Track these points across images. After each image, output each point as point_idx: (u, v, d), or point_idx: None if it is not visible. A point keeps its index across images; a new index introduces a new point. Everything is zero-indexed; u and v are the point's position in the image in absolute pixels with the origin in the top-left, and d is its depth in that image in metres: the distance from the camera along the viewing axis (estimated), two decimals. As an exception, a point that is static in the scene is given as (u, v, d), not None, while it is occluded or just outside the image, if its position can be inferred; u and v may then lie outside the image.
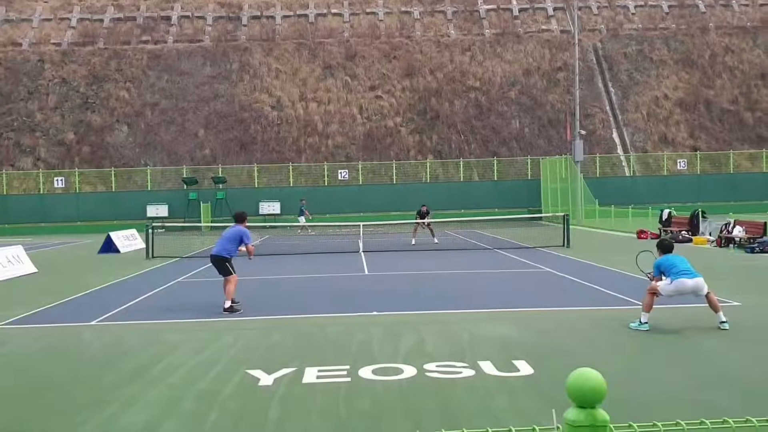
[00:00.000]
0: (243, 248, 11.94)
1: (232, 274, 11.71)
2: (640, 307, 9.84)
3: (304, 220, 34.49)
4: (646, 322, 9.50)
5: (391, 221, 33.98)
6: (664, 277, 9.65)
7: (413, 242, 25.34)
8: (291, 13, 54.06)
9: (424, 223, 25.78)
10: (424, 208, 25.90)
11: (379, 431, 5.81)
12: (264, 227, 37.41)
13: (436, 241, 25.35)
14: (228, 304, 11.63)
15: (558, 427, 2.29)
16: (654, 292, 9.57)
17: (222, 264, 11.76)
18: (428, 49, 50.77)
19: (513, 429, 2.25)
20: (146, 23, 52.73)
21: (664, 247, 10.02)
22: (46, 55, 49.32)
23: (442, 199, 41.76)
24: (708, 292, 9.55)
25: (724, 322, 9.42)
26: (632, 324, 9.65)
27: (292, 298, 13.43)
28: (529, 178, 43.72)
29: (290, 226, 36.44)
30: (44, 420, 6.33)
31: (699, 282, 9.46)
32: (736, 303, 11.54)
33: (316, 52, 50.52)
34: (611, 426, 2.24)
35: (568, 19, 53.09)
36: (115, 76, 48.36)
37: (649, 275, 10.17)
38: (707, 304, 9.64)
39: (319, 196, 42.54)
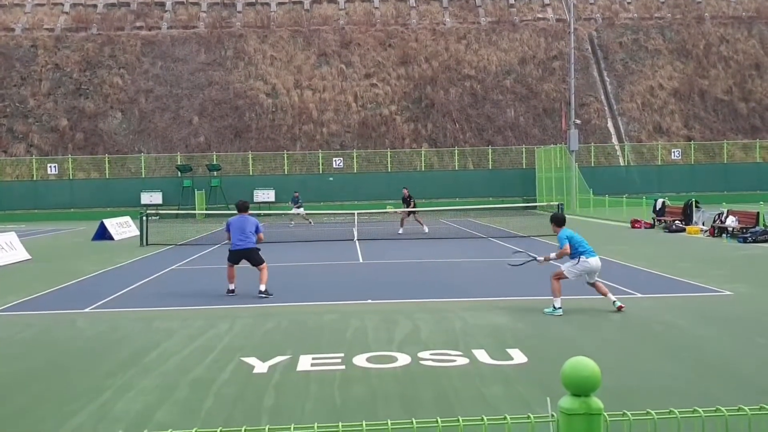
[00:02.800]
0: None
1: (264, 260, 12.04)
2: (602, 295, 10.30)
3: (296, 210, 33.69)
4: (560, 307, 9.95)
5: (385, 209, 33.96)
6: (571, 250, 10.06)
7: (400, 231, 25.31)
8: (286, 0, 53.76)
9: (412, 211, 25.63)
10: (405, 192, 25.74)
11: (373, 419, 5.83)
12: (259, 215, 37.36)
13: (426, 230, 25.10)
14: (264, 287, 11.84)
15: (553, 415, 2.31)
16: (560, 277, 10.09)
17: (256, 254, 11.98)
18: (424, 37, 50.61)
19: (508, 417, 2.26)
20: (140, 9, 52.36)
21: (560, 220, 10.46)
22: (39, 40, 48.95)
23: (437, 188, 41.78)
24: (596, 281, 10.25)
25: (614, 302, 10.10)
26: (546, 310, 10.09)
27: (286, 286, 13.42)
28: (524, 167, 43.75)
29: (284, 214, 36.35)
30: (38, 408, 6.33)
31: (599, 261, 10.17)
32: (728, 292, 11.61)
33: (311, 39, 50.30)
34: (605, 414, 2.25)
35: (564, 7, 52.97)
36: (108, 63, 48.07)
37: (538, 259, 10.69)
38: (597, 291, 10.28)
39: (314, 184, 42.50)
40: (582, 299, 11.26)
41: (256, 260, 12.02)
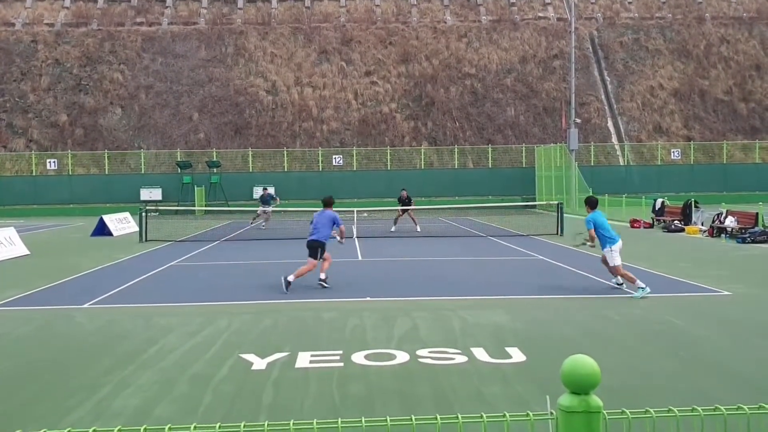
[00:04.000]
0: (335, 230, 12.81)
1: (326, 253, 12.56)
2: (632, 290, 11.49)
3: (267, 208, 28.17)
4: (644, 286, 11.13)
5: (385, 207, 33.95)
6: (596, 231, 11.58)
7: (393, 229, 25.25)
8: (287, -3, 53.72)
9: (406, 210, 25.59)
10: (404, 193, 25.67)
11: (371, 416, 5.83)
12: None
13: (418, 229, 24.88)
14: (324, 275, 12.47)
15: (552, 413, 2.31)
16: (620, 268, 11.57)
17: (322, 247, 12.49)
18: (424, 35, 50.57)
19: (507, 414, 2.26)
20: (140, 5, 52.29)
21: (593, 203, 11.98)
22: (39, 35, 48.89)
23: (437, 186, 41.79)
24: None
25: (621, 284, 11.84)
26: (636, 294, 11.13)
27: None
28: (524, 165, 43.75)
29: (283, 211, 36.33)
30: (37, 403, 6.33)
31: (621, 242, 11.70)
32: (726, 292, 11.62)
33: (312, 36, 50.26)
34: (605, 412, 2.25)
35: (565, 6, 52.95)
36: (108, 58, 48.02)
37: (586, 241, 11.94)
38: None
39: (314, 182, 42.47)
40: (581, 299, 11.28)
41: (320, 252, 12.51)
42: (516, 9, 53.39)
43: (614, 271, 11.57)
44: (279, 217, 35.66)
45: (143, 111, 46.03)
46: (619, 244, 11.53)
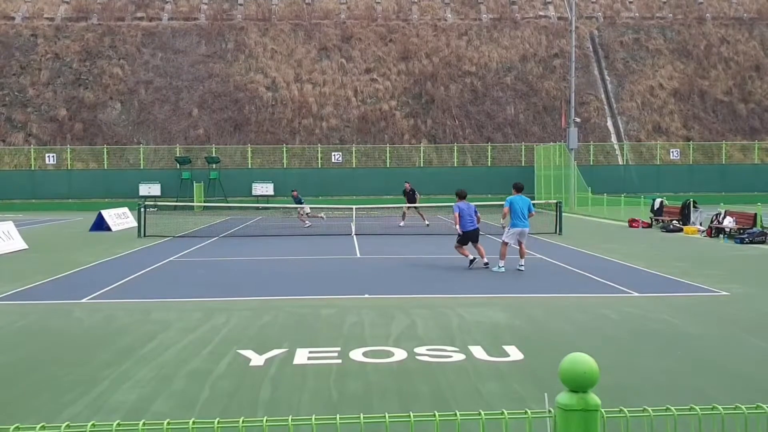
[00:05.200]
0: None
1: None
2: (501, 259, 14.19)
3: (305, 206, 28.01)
4: (503, 266, 13.81)
5: (383, 205, 33.96)
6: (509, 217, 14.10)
7: (401, 224, 25.37)
8: (287, -7, 53.64)
9: (413, 206, 25.78)
10: (407, 186, 25.75)
11: (369, 413, 5.83)
12: (257, 208, 37.39)
13: (426, 223, 25.26)
14: (486, 260, 14.32)
15: (550, 411, 2.31)
16: (506, 243, 13.97)
17: (479, 233, 14.56)
18: (425, 33, 50.54)
19: (506, 412, 2.27)
20: (140, 0, 52.22)
21: (519, 188, 14.36)
22: (39, 29, 48.82)
23: (435, 184, 41.77)
24: (522, 243, 14.07)
25: (521, 266, 13.80)
26: (494, 268, 13.83)
27: (283, 280, 13.44)
28: (523, 164, 43.75)
29: (283, 208, 36.34)
30: (34, 398, 6.33)
31: (525, 230, 14.01)
32: (724, 292, 11.63)
33: (312, 33, 50.21)
34: (603, 411, 2.26)
35: (565, 5, 52.92)
36: (108, 53, 47.95)
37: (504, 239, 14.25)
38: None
39: (313, 179, 42.48)
40: (579, 297, 11.30)
41: (478, 238, 14.46)
42: (517, 7, 53.36)
43: (503, 246, 13.99)
44: (279, 215, 35.66)
45: (143, 106, 45.99)
46: (519, 230, 13.81)
